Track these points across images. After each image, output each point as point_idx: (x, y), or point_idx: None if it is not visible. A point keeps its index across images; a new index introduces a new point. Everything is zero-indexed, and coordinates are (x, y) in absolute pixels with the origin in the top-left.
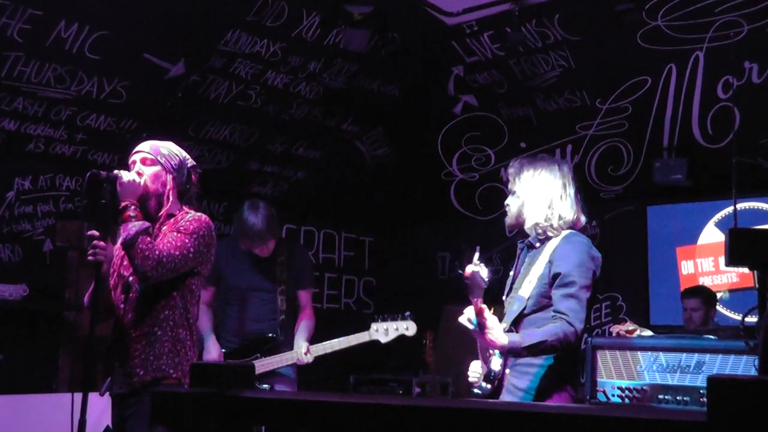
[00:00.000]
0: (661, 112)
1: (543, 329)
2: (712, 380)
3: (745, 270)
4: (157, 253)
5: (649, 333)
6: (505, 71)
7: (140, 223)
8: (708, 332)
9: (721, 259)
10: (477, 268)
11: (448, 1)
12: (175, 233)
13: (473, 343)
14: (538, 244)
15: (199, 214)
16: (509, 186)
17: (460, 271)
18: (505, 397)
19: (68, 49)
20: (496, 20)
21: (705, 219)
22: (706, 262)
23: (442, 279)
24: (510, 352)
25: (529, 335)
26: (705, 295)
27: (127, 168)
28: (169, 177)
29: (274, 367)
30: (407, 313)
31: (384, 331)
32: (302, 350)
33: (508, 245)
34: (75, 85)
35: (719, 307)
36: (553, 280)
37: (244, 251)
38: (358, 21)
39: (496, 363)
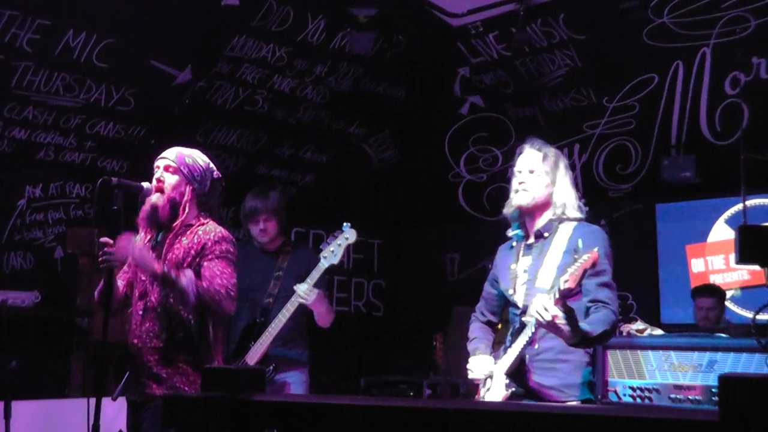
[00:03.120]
0: (669, 109)
1: (598, 318)
2: (724, 379)
3: (756, 267)
4: (223, 291)
5: (659, 332)
6: (511, 71)
7: (189, 277)
8: (719, 330)
9: (732, 257)
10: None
11: (452, 2)
12: (222, 263)
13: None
14: (546, 234)
15: (221, 230)
16: (533, 164)
17: None
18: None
19: (76, 58)
20: (502, 21)
21: (715, 216)
22: (717, 260)
23: (451, 280)
24: (581, 342)
25: (592, 324)
26: (720, 294)
27: (151, 170)
28: (188, 188)
29: (275, 333)
30: (345, 225)
31: (332, 254)
32: (301, 287)
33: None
34: (84, 93)
35: (731, 305)
36: None
37: (254, 256)
38: (363, 24)
39: (509, 359)
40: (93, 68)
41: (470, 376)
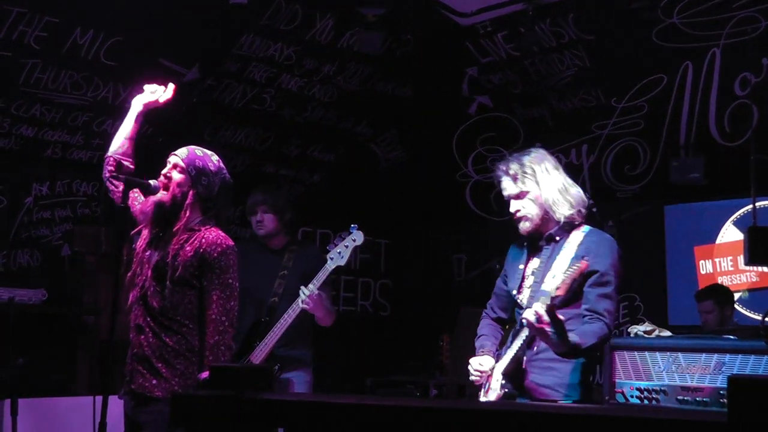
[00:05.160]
0: (678, 110)
1: (590, 329)
2: (732, 381)
3: (765, 269)
4: (231, 334)
5: (667, 333)
6: (519, 71)
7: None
8: (727, 332)
9: (740, 258)
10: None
11: (461, 1)
12: (220, 288)
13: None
14: (558, 238)
15: (222, 239)
16: (511, 190)
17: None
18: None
19: (84, 56)
20: (510, 20)
21: (723, 218)
22: (725, 262)
23: (458, 281)
24: (569, 352)
25: (583, 335)
26: (718, 296)
27: (158, 168)
28: (191, 192)
29: (280, 334)
30: (352, 226)
31: (339, 255)
32: (305, 291)
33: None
34: (91, 91)
35: (739, 307)
36: (586, 277)
37: (259, 255)
38: (372, 23)
39: (506, 360)
40: (100, 66)
41: (470, 377)
